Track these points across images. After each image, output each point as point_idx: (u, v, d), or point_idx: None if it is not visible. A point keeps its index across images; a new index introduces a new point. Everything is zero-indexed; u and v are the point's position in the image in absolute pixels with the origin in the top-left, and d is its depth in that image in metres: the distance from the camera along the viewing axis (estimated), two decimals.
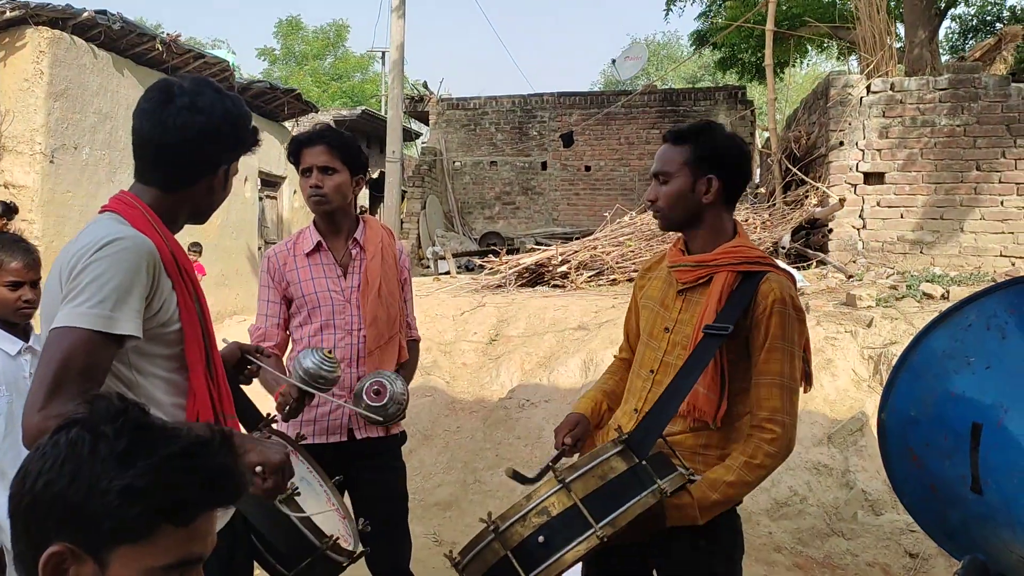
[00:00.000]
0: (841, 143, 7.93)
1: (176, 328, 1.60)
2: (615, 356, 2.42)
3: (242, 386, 2.08)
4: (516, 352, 6.38)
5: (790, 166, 9.04)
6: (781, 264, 2.13)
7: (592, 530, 1.64)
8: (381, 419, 2.39)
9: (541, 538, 1.65)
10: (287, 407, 2.25)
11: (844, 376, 5.34)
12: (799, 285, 6.93)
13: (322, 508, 1.99)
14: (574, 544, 1.64)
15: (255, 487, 1.56)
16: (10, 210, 6.63)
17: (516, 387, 5.92)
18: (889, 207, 7.86)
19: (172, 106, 1.60)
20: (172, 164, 1.63)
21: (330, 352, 2.23)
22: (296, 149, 2.59)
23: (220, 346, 1.88)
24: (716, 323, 1.91)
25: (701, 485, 1.87)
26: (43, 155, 7.53)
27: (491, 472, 5.19)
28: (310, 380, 2.17)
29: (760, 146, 12.94)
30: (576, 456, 2.08)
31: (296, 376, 2.18)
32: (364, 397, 2.36)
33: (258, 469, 1.54)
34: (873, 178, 7.91)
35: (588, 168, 14.98)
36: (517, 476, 2.06)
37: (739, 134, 13.01)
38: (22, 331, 2.49)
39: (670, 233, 2.30)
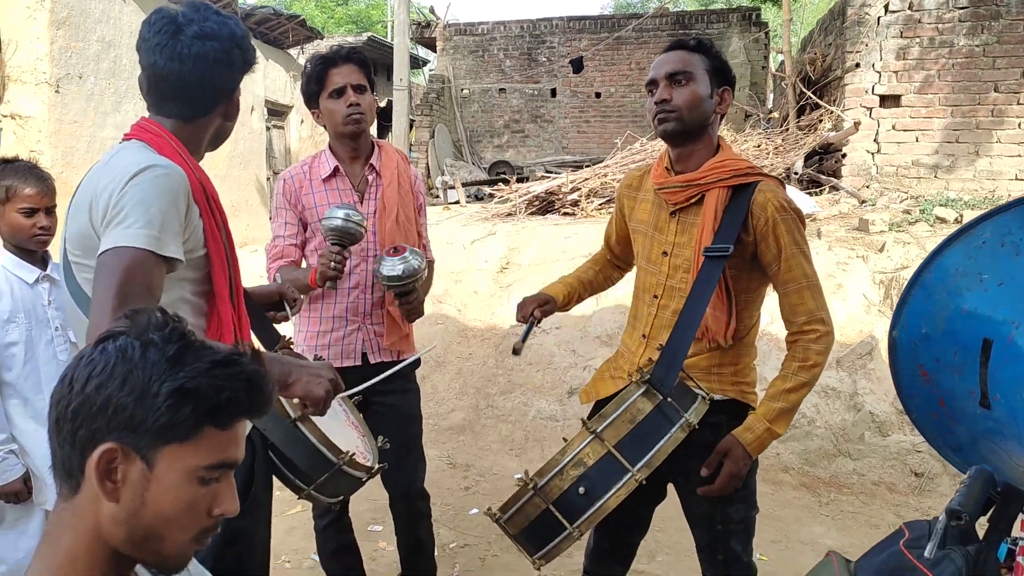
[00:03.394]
0: (857, 65, 7.75)
1: (203, 254, 1.62)
2: (602, 247, 2.46)
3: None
4: (527, 280, 6.40)
5: (804, 89, 8.86)
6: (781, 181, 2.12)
7: (629, 474, 1.70)
8: (392, 283, 2.43)
9: (581, 489, 1.71)
10: (332, 264, 2.30)
11: (854, 301, 5.35)
12: (811, 211, 6.89)
13: (340, 426, 2.04)
14: (614, 490, 1.69)
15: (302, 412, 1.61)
16: None
17: None
18: (904, 131, 7.72)
19: (184, 36, 1.58)
20: (191, 95, 1.62)
21: (345, 204, 2.32)
22: (322, 69, 2.50)
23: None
24: (715, 244, 1.92)
25: (764, 402, 1.92)
26: (48, 85, 7.45)
27: (504, 397, 5.28)
28: (344, 225, 2.27)
29: (774, 69, 12.67)
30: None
31: (331, 232, 2.27)
32: (384, 256, 2.44)
33: (295, 401, 1.58)
34: (889, 101, 7.76)
35: (598, 95, 14.72)
36: (517, 351, 2.18)
37: (753, 57, 12.52)
38: (40, 259, 2.51)
39: None
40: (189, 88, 1.61)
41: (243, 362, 0.97)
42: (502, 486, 4.25)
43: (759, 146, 8.64)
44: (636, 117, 14.30)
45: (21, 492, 2.39)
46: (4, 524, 2.44)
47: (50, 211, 2.47)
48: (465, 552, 3.51)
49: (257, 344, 1.98)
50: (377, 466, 1.97)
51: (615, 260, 2.43)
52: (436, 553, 2.96)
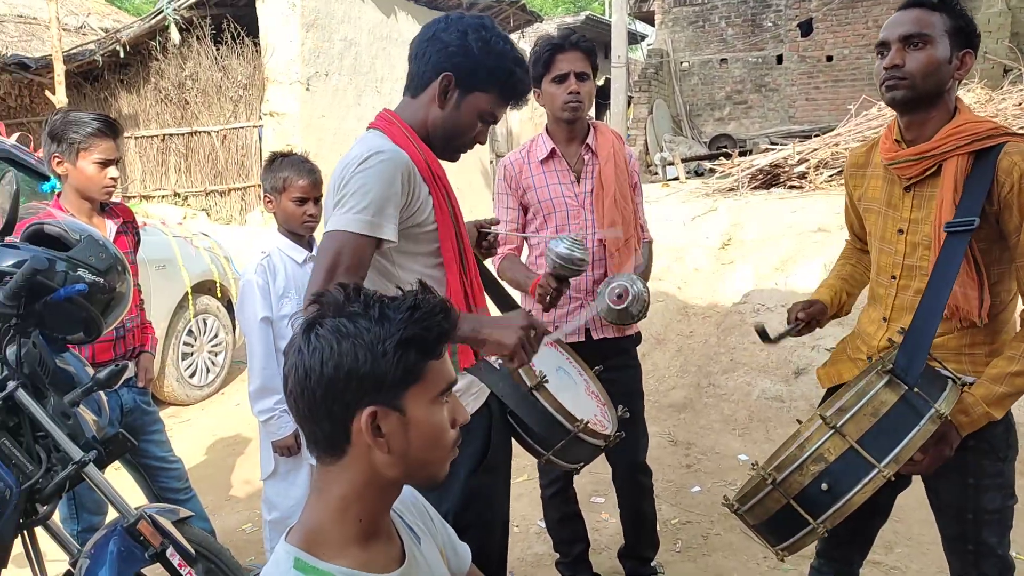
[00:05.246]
0: None
1: (432, 228, 1.78)
2: (846, 240, 2.33)
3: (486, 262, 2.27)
4: (750, 256, 6.22)
5: None
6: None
7: (876, 470, 1.61)
8: (625, 322, 2.45)
9: (824, 485, 1.65)
10: (547, 297, 2.32)
11: None
12: None
13: (579, 395, 2.12)
14: (859, 487, 1.62)
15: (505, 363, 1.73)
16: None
17: (750, 292, 5.80)
18: None
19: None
20: (415, 66, 1.83)
21: (576, 235, 2.29)
22: (550, 54, 2.55)
23: None
24: (958, 218, 1.75)
25: (983, 382, 1.77)
26: (300, 83, 8.24)
27: (726, 376, 5.19)
28: (565, 264, 2.20)
29: None
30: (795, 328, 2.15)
31: (550, 263, 2.24)
32: (607, 301, 2.41)
33: (536, 370, 1.72)
34: None
35: (830, 58, 13.79)
36: (763, 334, 2.13)
37: (1015, 5, 11.13)
38: (307, 243, 2.83)
39: None
40: (415, 60, 1.82)
41: (428, 298, 1.09)
42: (725, 465, 4.20)
43: (1020, 104, 7.74)
44: (872, 80, 13.24)
45: (292, 447, 2.72)
46: (277, 475, 2.79)
47: (317, 200, 2.77)
48: (687, 529, 3.52)
49: (494, 312, 2.11)
50: (615, 434, 2.01)
51: (864, 248, 2.27)
52: (658, 528, 3.01)
